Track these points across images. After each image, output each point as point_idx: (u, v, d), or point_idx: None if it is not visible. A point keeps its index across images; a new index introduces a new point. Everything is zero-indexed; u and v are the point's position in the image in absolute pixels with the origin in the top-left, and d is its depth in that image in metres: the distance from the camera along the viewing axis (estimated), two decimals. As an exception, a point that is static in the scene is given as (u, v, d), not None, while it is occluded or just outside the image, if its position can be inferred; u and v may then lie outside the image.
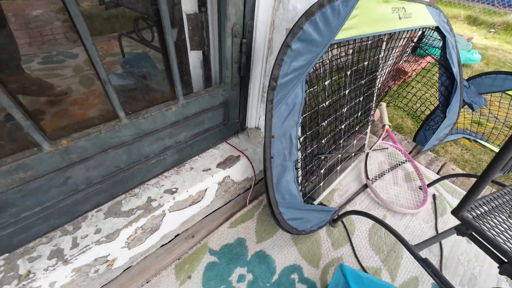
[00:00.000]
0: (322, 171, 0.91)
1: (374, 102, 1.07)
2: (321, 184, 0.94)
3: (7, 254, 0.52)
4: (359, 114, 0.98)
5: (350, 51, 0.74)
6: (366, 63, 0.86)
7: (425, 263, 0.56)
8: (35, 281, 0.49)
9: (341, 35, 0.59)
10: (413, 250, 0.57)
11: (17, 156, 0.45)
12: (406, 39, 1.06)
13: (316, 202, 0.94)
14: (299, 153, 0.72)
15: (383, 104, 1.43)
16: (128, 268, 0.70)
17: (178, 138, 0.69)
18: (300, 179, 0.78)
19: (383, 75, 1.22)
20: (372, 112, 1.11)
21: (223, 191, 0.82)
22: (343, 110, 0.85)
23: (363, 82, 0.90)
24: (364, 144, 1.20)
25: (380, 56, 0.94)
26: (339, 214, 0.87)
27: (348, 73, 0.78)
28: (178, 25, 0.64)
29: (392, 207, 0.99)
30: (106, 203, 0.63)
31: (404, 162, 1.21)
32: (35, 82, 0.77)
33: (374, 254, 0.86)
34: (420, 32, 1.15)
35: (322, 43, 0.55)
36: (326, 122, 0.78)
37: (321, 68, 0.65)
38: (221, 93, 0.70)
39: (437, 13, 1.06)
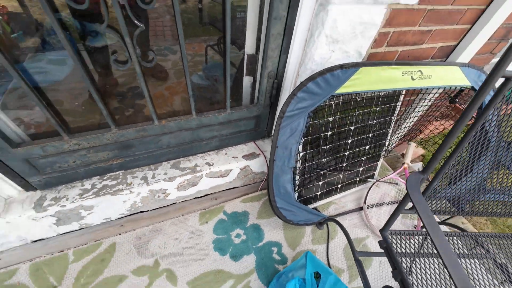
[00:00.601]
0: (320, 183, 1.15)
1: (388, 140, 1.23)
2: (318, 193, 1.18)
3: (123, 171, 0.99)
4: (367, 147, 1.17)
5: (359, 98, 0.97)
6: (377, 108, 1.05)
7: (358, 263, 0.78)
8: (133, 188, 0.94)
9: (342, 90, 0.84)
10: (354, 250, 0.79)
11: (142, 124, 0.88)
12: (437, 93, 1.17)
13: (311, 206, 1.19)
14: (298, 163, 0.99)
15: (412, 144, 1.51)
16: (173, 203, 1.12)
17: (222, 132, 1.06)
18: (297, 182, 1.05)
19: (407, 118, 1.34)
20: (385, 148, 1.26)
21: (243, 175, 1.17)
22: (347, 140, 1.07)
23: (373, 122, 1.10)
24: (374, 174, 1.35)
25: (397, 104, 1.11)
26: (321, 222, 1.10)
27: (355, 113, 1.00)
28: (241, 58, 0.99)
29: (377, 232, 1.15)
30: (172, 160, 1.06)
31: (410, 201, 1.31)
32: (161, 69, 1.32)
33: (344, 259, 1.07)
34: (458, 89, 1.22)
35: (323, 94, 0.82)
36: (327, 146, 1.02)
37: (326, 109, 0.91)
38: (255, 110, 1.04)
39: (476, 74, 1.13)
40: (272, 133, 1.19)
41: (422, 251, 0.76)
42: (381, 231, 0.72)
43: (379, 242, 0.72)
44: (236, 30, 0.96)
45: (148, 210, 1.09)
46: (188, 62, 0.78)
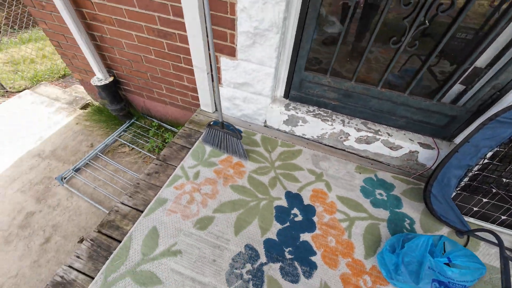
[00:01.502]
0: (484, 200, 1.19)
1: None
2: (475, 209, 1.22)
3: (330, 110, 1.49)
4: None
5: None
6: None
7: None
8: (333, 123, 1.42)
9: None
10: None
11: (369, 86, 1.30)
12: None
13: (467, 219, 1.25)
14: (477, 167, 1.10)
15: None
16: (342, 149, 1.54)
17: (414, 117, 1.32)
18: (462, 183, 1.16)
19: None
20: None
21: (406, 158, 1.40)
22: (548, 177, 1.04)
23: None
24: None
25: None
26: (471, 230, 1.16)
27: None
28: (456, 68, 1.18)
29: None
30: (364, 119, 1.45)
31: None
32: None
33: (472, 271, 1.11)
34: None
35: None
36: (519, 169, 1.05)
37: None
38: (456, 110, 1.21)
39: None
40: (455, 140, 1.32)
41: None
42: None
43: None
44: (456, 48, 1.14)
45: (326, 144, 1.57)
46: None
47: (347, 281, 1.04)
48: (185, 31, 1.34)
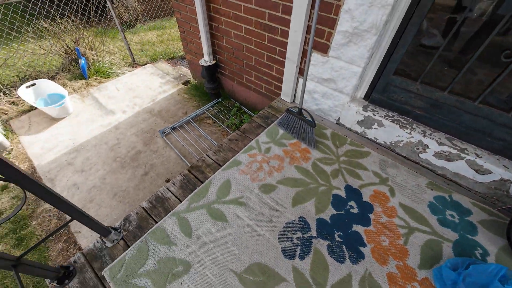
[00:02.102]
0: None
1: None
2: None
3: (412, 119, 1.46)
4: None
5: None
6: None
7: None
8: (411, 132, 1.39)
9: None
10: None
11: (464, 99, 1.24)
12: None
13: None
14: None
15: None
16: (416, 162, 1.48)
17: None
18: None
19: None
20: None
21: (494, 186, 1.25)
22: None
23: None
24: None
25: None
26: None
27: None
28: None
29: None
30: (449, 134, 1.37)
31: None
32: None
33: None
34: None
35: None
36: None
37: None
38: None
39: None
40: None
41: None
42: None
43: None
44: None
45: (398, 153, 1.54)
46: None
47: (393, 281, 1.05)
48: (288, 26, 1.56)
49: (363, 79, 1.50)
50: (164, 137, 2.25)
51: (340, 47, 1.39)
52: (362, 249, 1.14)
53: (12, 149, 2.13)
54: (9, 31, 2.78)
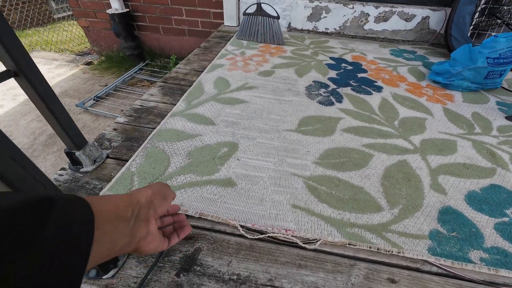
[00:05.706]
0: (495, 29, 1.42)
1: None
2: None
3: None
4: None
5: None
6: None
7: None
8: (354, 5, 1.60)
9: None
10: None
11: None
12: None
13: None
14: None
15: None
16: (364, 36, 1.71)
17: (419, -12, 1.56)
18: (474, 22, 1.38)
19: None
20: None
21: (419, 28, 1.61)
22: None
23: None
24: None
25: None
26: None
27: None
28: None
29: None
30: (379, 1, 1.66)
31: None
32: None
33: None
34: None
35: None
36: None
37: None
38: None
39: None
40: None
41: None
42: None
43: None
44: None
45: (347, 34, 1.73)
46: None
47: (412, 91, 1.13)
48: None
49: (301, -29, 1.60)
50: (88, 108, 1.62)
51: None
52: (376, 84, 1.18)
53: None
54: None
